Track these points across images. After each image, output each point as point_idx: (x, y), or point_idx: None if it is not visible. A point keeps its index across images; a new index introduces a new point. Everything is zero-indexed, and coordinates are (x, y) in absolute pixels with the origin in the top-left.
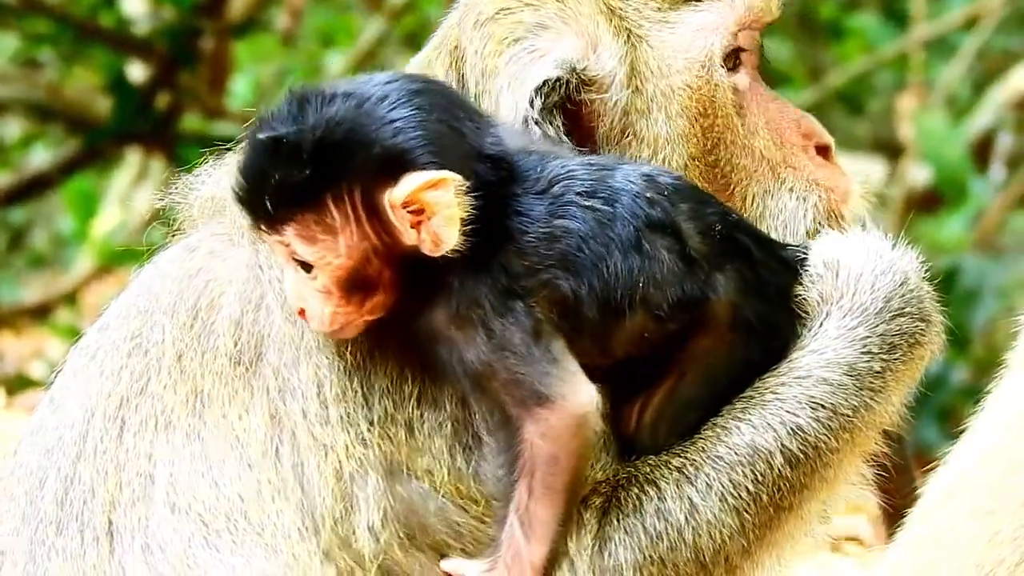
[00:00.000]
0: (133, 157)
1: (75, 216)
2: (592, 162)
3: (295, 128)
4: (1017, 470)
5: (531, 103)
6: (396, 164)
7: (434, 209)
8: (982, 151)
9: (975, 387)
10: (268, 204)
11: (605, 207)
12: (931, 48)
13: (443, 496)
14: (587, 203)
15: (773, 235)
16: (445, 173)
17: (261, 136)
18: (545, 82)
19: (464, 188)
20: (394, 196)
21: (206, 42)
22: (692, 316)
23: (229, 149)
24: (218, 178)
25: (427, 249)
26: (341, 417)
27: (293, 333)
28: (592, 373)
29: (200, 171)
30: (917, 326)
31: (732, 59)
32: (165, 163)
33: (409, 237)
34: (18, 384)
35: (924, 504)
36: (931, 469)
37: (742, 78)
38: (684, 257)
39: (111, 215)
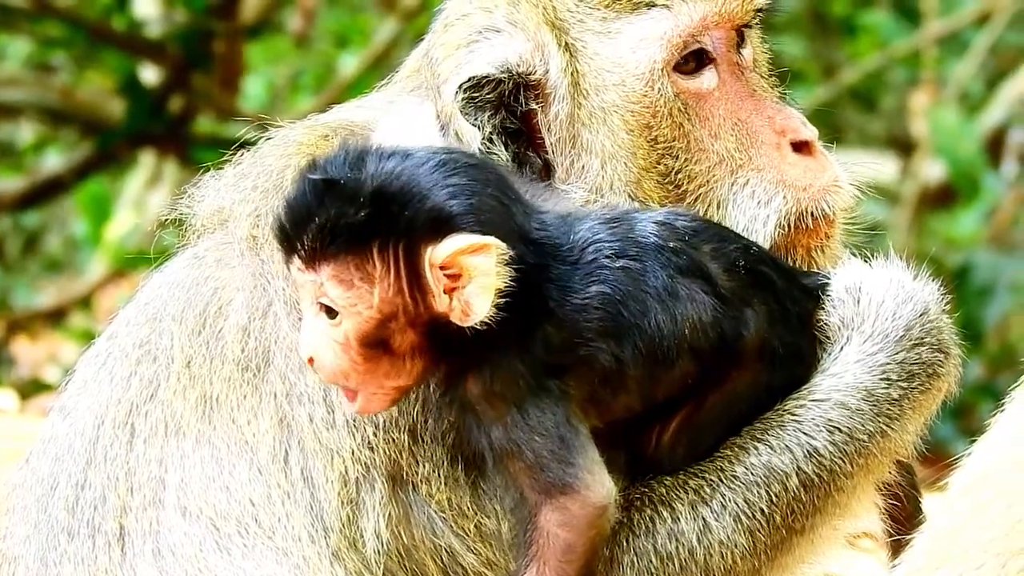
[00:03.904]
0: (146, 160)
1: (89, 220)
2: (611, 218)
3: (353, 175)
4: None
5: (455, 96)
6: (444, 224)
7: (472, 274)
8: (995, 147)
9: (989, 383)
10: (311, 241)
11: (635, 263)
12: (944, 44)
13: (434, 507)
14: (618, 264)
15: None
16: (490, 239)
17: (315, 177)
18: (471, 78)
19: (506, 258)
20: (436, 254)
21: (219, 44)
22: (728, 354)
23: (242, 151)
24: (223, 189)
25: (456, 317)
26: (347, 421)
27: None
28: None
29: (204, 182)
30: (936, 357)
31: (693, 62)
32: (179, 165)
33: (441, 302)
34: (32, 388)
35: (946, 496)
36: (946, 466)
37: (708, 79)
38: (718, 296)
39: (124, 218)
